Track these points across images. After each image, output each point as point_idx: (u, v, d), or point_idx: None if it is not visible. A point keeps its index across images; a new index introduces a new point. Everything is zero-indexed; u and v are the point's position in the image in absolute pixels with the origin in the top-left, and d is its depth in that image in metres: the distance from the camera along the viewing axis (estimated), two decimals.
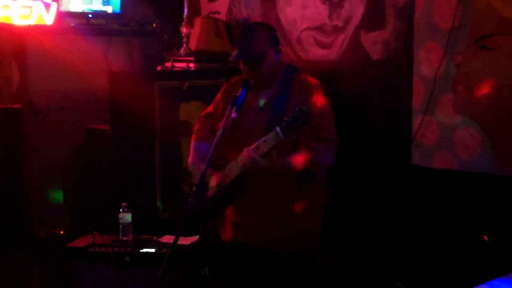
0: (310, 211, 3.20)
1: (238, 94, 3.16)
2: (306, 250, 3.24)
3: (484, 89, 3.80)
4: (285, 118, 2.90)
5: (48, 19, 5.19)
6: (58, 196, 5.22)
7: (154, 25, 5.71)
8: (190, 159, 3.36)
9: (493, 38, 3.72)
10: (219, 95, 3.44)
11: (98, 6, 5.48)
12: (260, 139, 2.97)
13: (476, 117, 3.86)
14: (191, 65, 4.86)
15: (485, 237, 3.71)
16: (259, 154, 2.96)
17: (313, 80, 3.28)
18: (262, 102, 3.23)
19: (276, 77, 3.22)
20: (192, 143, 3.42)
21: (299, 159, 3.06)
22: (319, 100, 3.18)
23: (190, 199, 2.85)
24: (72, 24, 5.36)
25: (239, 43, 3.18)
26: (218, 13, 5.21)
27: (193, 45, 4.97)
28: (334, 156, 3.15)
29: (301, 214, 3.17)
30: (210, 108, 3.46)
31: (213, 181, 3.15)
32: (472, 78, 3.84)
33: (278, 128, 2.90)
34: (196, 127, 3.47)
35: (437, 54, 3.97)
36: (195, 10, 5.34)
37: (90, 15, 5.44)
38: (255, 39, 3.14)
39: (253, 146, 2.98)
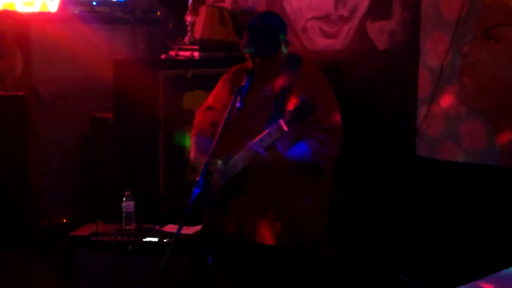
0: (315, 204, 3.18)
1: (243, 84, 3.13)
2: (311, 243, 3.22)
3: (491, 80, 3.78)
4: (288, 110, 2.88)
5: (52, 6, 5.17)
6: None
7: (158, 13, 5.69)
8: (192, 155, 3.32)
9: (500, 29, 3.70)
10: (219, 85, 3.40)
11: None
12: (264, 132, 2.94)
13: (482, 108, 3.84)
14: (196, 53, 4.84)
15: (489, 229, 3.70)
16: (262, 147, 2.93)
17: (318, 70, 3.25)
18: (266, 92, 3.21)
19: (281, 67, 3.19)
20: (193, 138, 3.38)
21: (304, 150, 3.04)
22: (324, 90, 3.15)
23: (194, 189, 2.83)
24: (76, 12, 5.34)
25: (251, 34, 3.11)
26: (223, 1, 5.19)
27: (197, 33, 4.95)
28: (339, 147, 3.13)
29: (306, 207, 3.15)
30: (210, 100, 3.41)
31: (217, 174, 3.12)
32: (478, 69, 3.82)
33: (281, 121, 2.87)
34: (196, 121, 3.43)
35: (444, 44, 3.95)
36: None
37: (94, 3, 5.42)
38: (270, 31, 3.09)
39: (256, 139, 2.95)
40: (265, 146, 2.93)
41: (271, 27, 3.11)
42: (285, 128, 2.86)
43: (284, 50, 3.15)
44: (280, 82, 3.17)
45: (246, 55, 3.18)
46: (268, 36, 3.08)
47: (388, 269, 3.94)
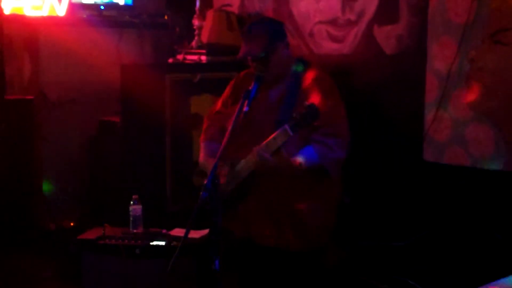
0: (322, 208, 3.18)
1: (250, 88, 3.14)
2: (317, 247, 3.23)
3: (498, 85, 3.77)
4: (294, 115, 2.88)
5: (60, 10, 5.19)
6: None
7: (165, 17, 5.70)
8: (201, 159, 3.34)
9: (508, 33, 3.69)
10: (227, 90, 3.42)
11: None
12: (270, 136, 2.95)
13: (489, 113, 3.83)
14: (203, 58, 4.85)
15: (497, 234, 3.69)
16: (268, 152, 2.94)
17: (324, 75, 3.25)
18: (273, 97, 3.22)
19: (287, 71, 3.20)
20: (202, 143, 3.40)
21: (310, 155, 3.04)
22: (331, 94, 3.16)
23: (201, 192, 2.84)
24: (84, 16, 5.36)
25: (245, 40, 3.16)
26: (230, 6, 5.19)
27: (204, 38, 4.95)
28: (346, 151, 3.13)
29: (312, 211, 3.15)
30: (218, 105, 3.43)
31: (224, 178, 3.13)
32: (486, 74, 3.81)
33: (287, 125, 2.87)
34: (205, 126, 3.45)
35: (451, 49, 3.94)
36: (207, 2, 5.32)
37: (102, 7, 5.43)
38: (262, 35, 3.12)
39: (262, 144, 2.96)
40: (271, 151, 2.94)
41: (259, 30, 3.13)
42: (290, 132, 2.86)
43: (284, 51, 3.16)
44: (287, 86, 3.18)
45: (249, 62, 3.20)
46: (257, 39, 3.12)
47: (394, 274, 3.93)
